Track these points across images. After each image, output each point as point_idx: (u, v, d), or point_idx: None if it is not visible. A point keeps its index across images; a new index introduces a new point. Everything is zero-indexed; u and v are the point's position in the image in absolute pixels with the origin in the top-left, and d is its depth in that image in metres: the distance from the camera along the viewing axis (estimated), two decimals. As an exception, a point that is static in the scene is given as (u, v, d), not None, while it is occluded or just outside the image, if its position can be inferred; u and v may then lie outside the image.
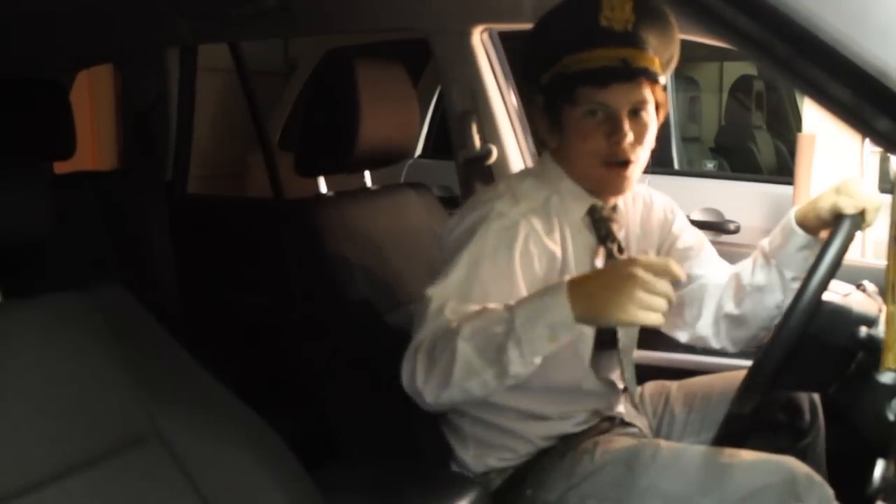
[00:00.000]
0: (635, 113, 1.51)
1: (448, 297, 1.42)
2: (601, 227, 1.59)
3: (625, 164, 1.51)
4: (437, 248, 1.63)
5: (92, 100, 3.82)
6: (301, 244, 1.83)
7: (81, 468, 1.05)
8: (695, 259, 1.71)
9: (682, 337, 1.74)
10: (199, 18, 2.45)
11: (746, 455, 1.49)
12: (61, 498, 1.03)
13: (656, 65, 1.52)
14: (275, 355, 2.07)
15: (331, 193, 2.01)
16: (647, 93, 1.51)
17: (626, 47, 1.48)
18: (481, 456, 1.62)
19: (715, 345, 1.70)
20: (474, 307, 1.38)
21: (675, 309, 1.71)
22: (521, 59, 1.69)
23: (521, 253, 1.48)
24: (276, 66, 4.43)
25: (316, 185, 2.04)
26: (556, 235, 1.54)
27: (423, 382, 1.36)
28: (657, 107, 1.55)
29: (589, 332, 1.59)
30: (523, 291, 1.45)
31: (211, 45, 3.00)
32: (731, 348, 1.71)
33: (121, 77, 3.28)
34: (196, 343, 1.49)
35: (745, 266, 1.65)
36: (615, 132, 1.49)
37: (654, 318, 1.22)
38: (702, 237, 1.76)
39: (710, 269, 1.70)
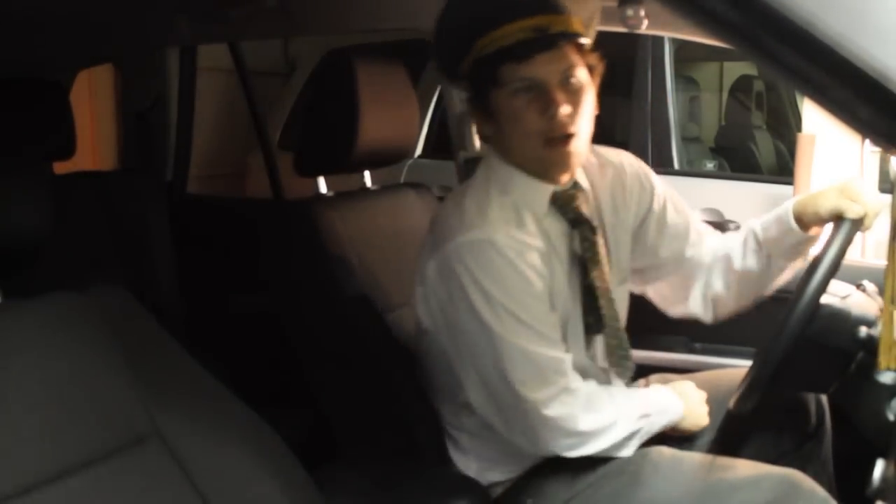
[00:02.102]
0: (566, 81, 1.42)
1: (536, 374, 1.44)
2: (567, 210, 1.51)
3: (566, 138, 1.43)
4: (425, 287, 1.53)
5: (92, 100, 3.81)
6: (301, 244, 1.83)
7: (81, 468, 1.06)
8: (684, 238, 1.66)
9: (672, 311, 1.74)
10: (199, 18, 2.45)
11: (749, 467, 1.47)
12: (61, 498, 1.03)
13: (576, 26, 1.44)
14: (275, 355, 2.07)
15: (331, 193, 2.01)
16: (575, 57, 1.43)
17: (539, 15, 1.40)
18: (484, 471, 1.58)
19: (704, 319, 1.70)
20: (551, 351, 1.45)
21: (667, 286, 1.72)
22: (435, 51, 1.58)
23: (521, 263, 1.43)
24: (276, 66, 4.42)
25: (316, 185, 2.04)
26: (534, 233, 1.48)
27: (575, 448, 1.49)
28: (591, 70, 1.47)
29: (577, 317, 1.54)
30: (545, 298, 1.46)
31: (211, 45, 3.00)
32: (713, 322, 1.71)
33: (121, 77, 3.28)
34: (196, 343, 1.49)
35: (734, 248, 1.62)
36: (548, 106, 1.40)
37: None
38: (683, 208, 1.69)
39: (700, 248, 1.67)
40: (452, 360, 1.51)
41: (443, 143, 3.09)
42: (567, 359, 1.48)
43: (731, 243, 1.64)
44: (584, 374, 1.54)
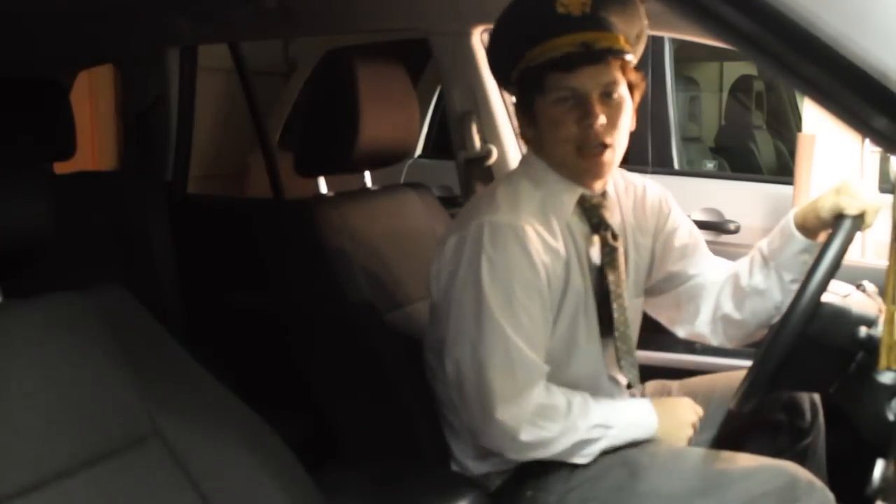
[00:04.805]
0: (607, 95, 1.50)
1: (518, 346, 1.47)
2: (592, 215, 1.59)
3: (600, 148, 1.51)
4: (440, 261, 1.59)
5: (92, 100, 3.82)
6: (301, 244, 1.83)
7: (81, 468, 1.05)
8: (691, 257, 1.71)
9: (681, 332, 1.76)
10: (199, 18, 2.45)
11: (747, 460, 1.49)
12: (61, 498, 1.03)
13: (621, 43, 1.52)
14: (275, 355, 2.07)
15: (331, 193, 2.01)
16: (617, 73, 1.51)
17: (586, 31, 1.48)
18: (481, 458, 1.61)
19: (713, 342, 1.71)
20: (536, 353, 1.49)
21: (673, 305, 1.73)
22: (489, 60, 1.70)
23: (538, 256, 1.49)
24: (276, 66, 4.43)
25: (316, 185, 2.04)
26: (557, 234, 1.55)
27: (514, 452, 1.53)
28: (631, 87, 1.54)
29: (594, 322, 1.60)
30: (546, 300, 1.50)
31: (211, 45, 3.00)
32: (728, 345, 1.72)
33: (121, 77, 3.28)
34: (196, 343, 1.49)
35: (742, 267, 1.64)
36: (586, 116, 1.49)
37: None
38: (697, 233, 1.75)
39: (705, 267, 1.71)
40: (444, 332, 1.55)
41: (443, 143, 3.09)
42: (540, 366, 1.50)
43: (739, 264, 1.67)
44: (596, 380, 1.62)
